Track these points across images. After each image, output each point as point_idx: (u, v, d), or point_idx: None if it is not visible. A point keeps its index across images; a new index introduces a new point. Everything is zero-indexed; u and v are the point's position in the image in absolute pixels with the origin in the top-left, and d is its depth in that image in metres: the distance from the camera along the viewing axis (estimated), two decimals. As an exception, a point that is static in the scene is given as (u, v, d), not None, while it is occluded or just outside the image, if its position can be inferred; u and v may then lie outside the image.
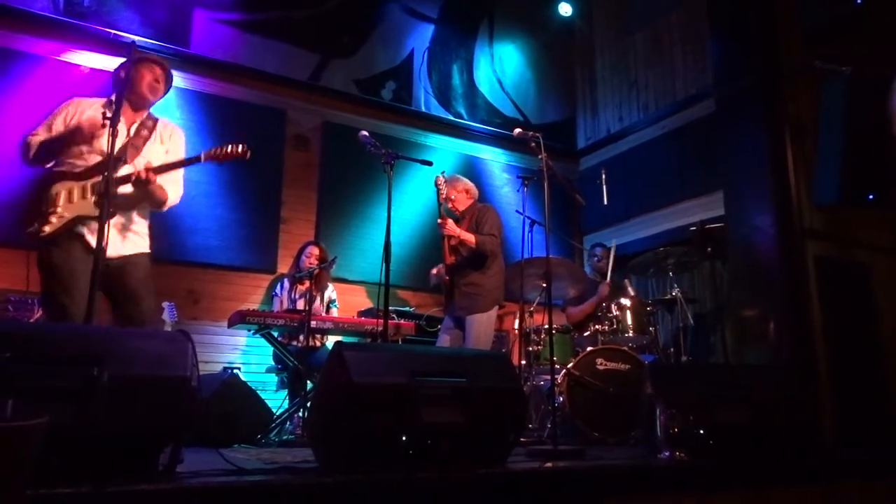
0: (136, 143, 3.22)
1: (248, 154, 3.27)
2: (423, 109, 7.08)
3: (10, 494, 1.33)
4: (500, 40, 7.80)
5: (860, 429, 3.72)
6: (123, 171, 3.12)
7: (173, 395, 1.92)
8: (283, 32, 6.35)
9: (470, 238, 4.51)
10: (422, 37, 7.23)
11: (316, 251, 5.33)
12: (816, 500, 2.68)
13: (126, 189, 3.12)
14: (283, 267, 5.79)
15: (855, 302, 4.07)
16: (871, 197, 3.59)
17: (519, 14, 7.90)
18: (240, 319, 4.49)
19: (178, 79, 5.74)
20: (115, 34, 5.45)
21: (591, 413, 4.20)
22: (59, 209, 3.02)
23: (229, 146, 3.24)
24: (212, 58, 5.97)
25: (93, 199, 3.05)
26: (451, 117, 7.24)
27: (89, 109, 3.19)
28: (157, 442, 1.91)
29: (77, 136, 3.09)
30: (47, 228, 2.99)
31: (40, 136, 3.13)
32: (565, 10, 7.75)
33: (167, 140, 3.34)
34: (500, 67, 7.77)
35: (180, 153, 3.38)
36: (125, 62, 3.12)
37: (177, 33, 5.84)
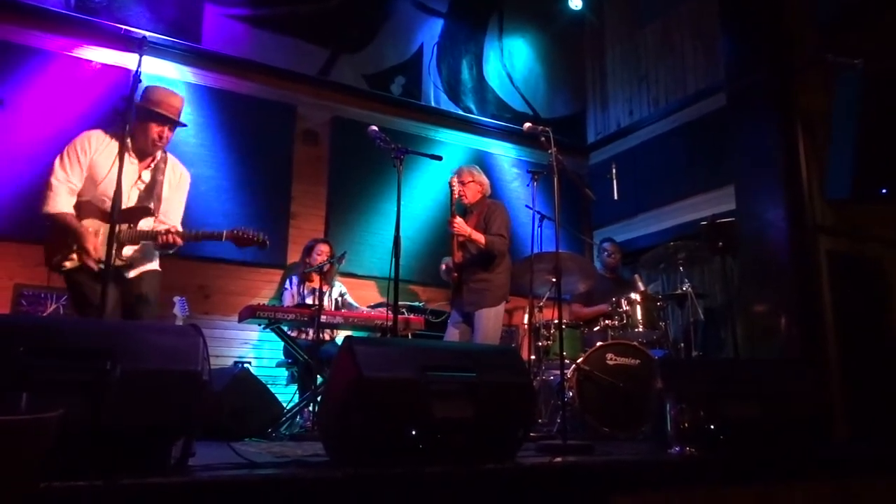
0: (157, 192, 3.31)
1: (267, 243, 3.44)
2: (433, 104, 7.06)
3: (24, 487, 1.34)
4: (509, 34, 7.77)
5: (872, 423, 3.70)
6: (146, 224, 3.26)
7: (185, 389, 1.93)
8: (292, 28, 6.35)
9: (480, 238, 4.49)
10: (431, 31, 7.21)
11: (326, 249, 5.34)
12: (827, 495, 2.67)
13: (146, 229, 3.26)
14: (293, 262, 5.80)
15: (867, 296, 4.05)
16: (884, 191, 3.56)
17: (528, 8, 7.86)
18: (250, 314, 4.51)
19: (189, 74, 5.78)
20: (126, 30, 5.48)
21: (600, 408, 4.19)
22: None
23: (251, 232, 3.38)
24: (222, 53, 5.97)
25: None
26: (461, 112, 7.22)
27: (102, 148, 3.20)
28: (169, 435, 1.92)
29: (96, 177, 3.17)
30: (67, 264, 3.07)
31: (64, 184, 3.13)
32: (575, 3, 7.69)
33: (175, 181, 3.44)
34: (510, 62, 7.74)
35: (182, 196, 3.51)
36: (142, 107, 3.23)
37: (187, 29, 5.86)
